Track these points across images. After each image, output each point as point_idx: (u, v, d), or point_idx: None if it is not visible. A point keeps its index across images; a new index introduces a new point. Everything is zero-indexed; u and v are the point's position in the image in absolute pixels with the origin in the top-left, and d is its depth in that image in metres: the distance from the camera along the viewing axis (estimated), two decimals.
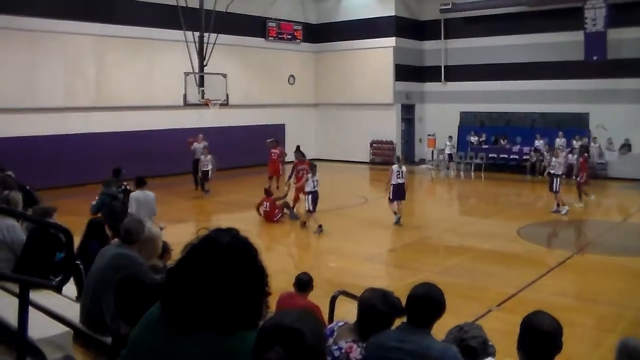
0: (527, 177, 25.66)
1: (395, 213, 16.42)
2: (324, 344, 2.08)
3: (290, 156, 21.55)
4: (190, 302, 2.16)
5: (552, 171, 18.11)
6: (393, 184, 16.23)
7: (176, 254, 2.37)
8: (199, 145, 21.42)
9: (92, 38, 22.83)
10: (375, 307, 3.71)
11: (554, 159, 18.53)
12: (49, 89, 21.75)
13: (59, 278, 4.52)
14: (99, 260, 5.46)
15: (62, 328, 4.99)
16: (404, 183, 16.33)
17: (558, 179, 17.76)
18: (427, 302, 3.64)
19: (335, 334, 3.77)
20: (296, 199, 17.42)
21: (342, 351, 3.62)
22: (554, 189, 17.83)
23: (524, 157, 26.94)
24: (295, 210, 17.37)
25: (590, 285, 11.36)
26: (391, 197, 16.50)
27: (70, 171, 21.75)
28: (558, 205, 17.77)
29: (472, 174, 27.79)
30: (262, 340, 1.92)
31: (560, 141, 26.11)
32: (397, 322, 3.79)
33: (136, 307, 3.10)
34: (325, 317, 6.01)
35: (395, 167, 16.53)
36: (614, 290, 10.87)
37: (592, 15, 25.38)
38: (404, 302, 3.76)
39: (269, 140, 22.09)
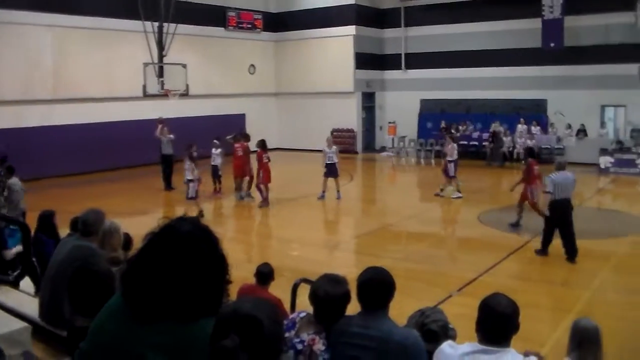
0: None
1: (324, 191, 18.25)
2: (282, 333, 2.07)
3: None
4: (151, 290, 2.16)
5: (449, 158, 18.52)
6: (327, 164, 18.15)
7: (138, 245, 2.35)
8: (165, 138, 20.31)
9: (50, 29, 22.37)
10: (329, 294, 3.68)
11: (447, 147, 18.98)
12: (5, 82, 21.27)
13: (15, 273, 4.47)
14: (57, 253, 5.39)
15: (20, 323, 4.92)
16: (335, 163, 18.10)
17: (452, 165, 18.38)
18: (376, 285, 3.65)
19: (297, 325, 3.74)
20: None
21: (305, 344, 3.60)
22: (450, 174, 18.45)
23: (484, 144, 27.21)
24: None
25: (549, 267, 11.55)
26: (325, 175, 18.35)
27: (28, 165, 21.30)
28: (441, 189, 18.65)
29: (433, 160, 27.97)
30: (219, 327, 1.91)
31: (521, 127, 26.53)
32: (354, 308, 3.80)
33: (89, 297, 3.07)
34: (288, 305, 6.01)
35: (326, 148, 18.34)
36: (571, 272, 11.10)
37: (550, 3, 25.70)
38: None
39: (229, 137, 19.59)
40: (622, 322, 8.52)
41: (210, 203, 18.02)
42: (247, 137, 19.14)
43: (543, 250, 11.94)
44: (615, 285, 10.39)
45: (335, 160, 18.20)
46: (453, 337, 3.90)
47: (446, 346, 3.45)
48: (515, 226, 14.31)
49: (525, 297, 8.32)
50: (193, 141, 17.40)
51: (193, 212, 14.78)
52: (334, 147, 18.58)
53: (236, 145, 18.61)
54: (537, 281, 11.01)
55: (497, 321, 3.27)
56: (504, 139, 26.22)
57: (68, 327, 3.75)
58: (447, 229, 14.96)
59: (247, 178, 18.63)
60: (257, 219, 17.18)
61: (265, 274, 6.65)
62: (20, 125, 21.51)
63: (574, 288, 10.21)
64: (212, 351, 1.87)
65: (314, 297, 3.74)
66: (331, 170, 18.23)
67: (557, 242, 12.31)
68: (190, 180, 15.89)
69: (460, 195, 18.39)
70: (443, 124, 28.56)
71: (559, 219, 11.50)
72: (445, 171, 18.61)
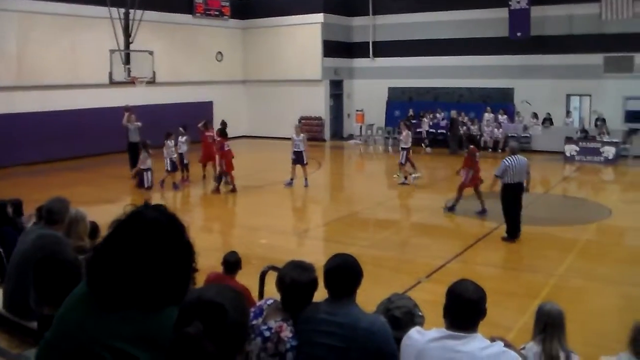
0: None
1: (292, 179, 18.43)
2: (247, 320, 2.05)
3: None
4: (117, 278, 2.13)
5: (403, 146, 18.90)
6: (294, 151, 18.38)
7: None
8: (132, 126, 19.95)
9: (14, 14, 21.91)
10: (296, 281, 3.69)
11: (402, 134, 19.33)
12: None
13: None
14: (21, 242, 5.31)
15: None
16: (302, 151, 18.27)
17: (404, 152, 18.73)
18: (343, 272, 3.67)
19: (264, 313, 3.74)
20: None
21: (273, 331, 3.60)
22: (401, 161, 18.90)
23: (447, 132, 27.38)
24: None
25: (515, 254, 11.71)
26: (292, 162, 18.54)
27: None
28: (405, 177, 18.94)
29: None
30: (182, 315, 1.89)
31: (488, 116, 26.77)
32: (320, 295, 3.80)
33: (55, 286, 3.03)
34: (256, 293, 5.99)
35: (294, 136, 18.57)
36: (538, 259, 11.24)
37: None
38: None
39: (200, 124, 19.65)
40: (587, 306, 8.67)
41: (176, 192, 17.87)
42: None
43: (511, 236, 12.28)
44: (580, 271, 10.54)
45: (302, 148, 18.34)
46: (420, 324, 3.91)
47: (414, 332, 3.47)
48: (482, 213, 14.48)
49: (492, 283, 8.42)
50: (170, 130, 17.53)
51: (155, 201, 14.65)
52: (302, 135, 18.71)
53: (207, 133, 19.17)
54: (504, 268, 11.15)
55: (465, 307, 3.29)
56: (464, 127, 26.34)
57: (38, 317, 3.70)
58: (415, 217, 15.06)
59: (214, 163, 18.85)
60: (224, 207, 17.10)
61: (232, 263, 6.61)
62: None
63: (540, 274, 10.34)
64: (175, 338, 1.85)
65: (280, 284, 3.75)
66: (298, 158, 18.37)
67: (523, 229, 12.48)
68: (145, 170, 15.70)
69: (406, 182, 18.79)
70: (411, 113, 28.70)
71: (512, 201, 12.07)
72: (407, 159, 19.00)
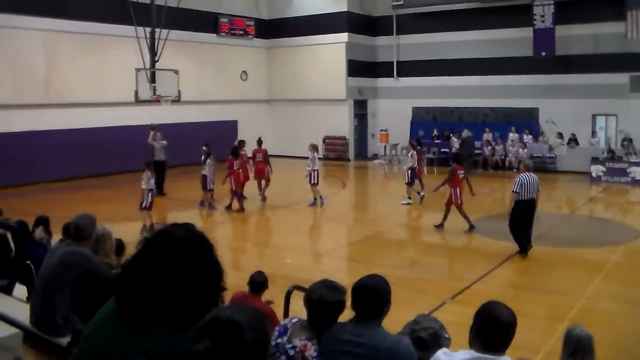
0: (478, 171, 25.90)
1: (315, 198, 18.32)
2: (267, 339, 2.03)
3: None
4: (145, 296, 2.13)
5: (409, 166, 18.84)
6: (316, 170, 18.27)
7: (130, 252, 2.33)
8: (157, 145, 20.08)
9: (41, 33, 22.26)
10: (323, 300, 3.67)
11: (411, 152, 19.28)
12: None
13: (7, 279, 4.42)
14: (49, 259, 5.34)
15: (11, 330, 4.87)
16: (309, 170, 18.07)
17: (409, 172, 18.65)
18: (370, 294, 3.64)
19: (289, 331, 3.72)
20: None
21: (297, 350, 3.59)
22: (407, 181, 18.77)
23: (476, 152, 27.27)
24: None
25: (541, 276, 11.55)
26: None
27: (18, 170, 21.26)
28: (409, 197, 18.79)
29: (425, 168, 27.95)
30: (197, 333, 1.88)
31: (512, 135, 26.66)
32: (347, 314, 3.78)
33: (93, 303, 3.04)
34: (281, 312, 5.98)
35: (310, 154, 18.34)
36: (564, 281, 11.09)
37: (541, 12, 25.83)
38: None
39: (235, 143, 19.37)
40: (614, 330, 8.52)
41: (202, 210, 17.93)
42: (242, 143, 19.21)
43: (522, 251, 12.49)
44: (608, 293, 10.39)
45: (310, 166, 18.14)
46: (447, 346, 3.87)
47: (441, 354, 3.43)
48: (439, 227, 15.06)
49: (518, 305, 8.28)
50: (208, 146, 17.55)
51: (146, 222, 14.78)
52: (313, 153, 18.43)
53: (242, 152, 18.72)
54: (529, 289, 10.99)
55: (499, 330, 3.26)
56: (489, 147, 26.19)
57: (71, 332, 3.72)
58: (438, 237, 14.94)
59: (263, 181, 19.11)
60: (249, 226, 17.14)
61: (258, 283, 6.60)
62: (10, 129, 21.40)
63: (566, 296, 10.20)
64: (185, 356, 1.84)
65: (307, 300, 3.74)
66: (309, 178, 18.25)
67: (549, 250, 12.35)
68: (148, 190, 15.30)
69: (410, 202, 18.65)
70: (435, 132, 28.66)
71: (523, 218, 12.33)
72: (417, 177, 19.03)
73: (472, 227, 14.79)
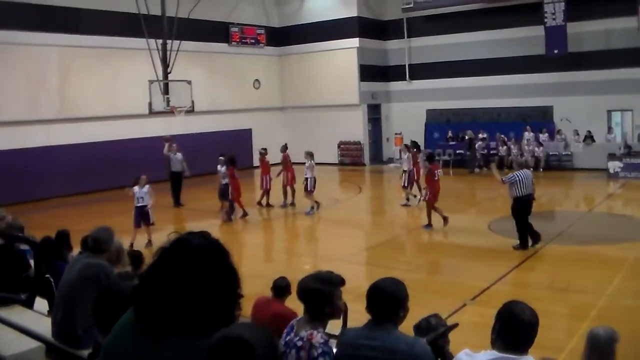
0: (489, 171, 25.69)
1: (317, 203, 18.32)
2: (277, 357, 2.03)
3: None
4: (163, 305, 2.14)
5: (404, 168, 18.95)
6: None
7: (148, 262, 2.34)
8: (175, 156, 20.15)
9: (54, 49, 22.48)
10: (309, 288, 3.77)
11: (404, 156, 19.39)
12: (10, 102, 21.31)
13: (27, 293, 4.45)
14: (68, 271, 5.37)
15: (33, 343, 4.91)
16: (307, 178, 18.17)
17: (406, 175, 18.81)
18: (383, 296, 3.65)
19: (294, 328, 3.82)
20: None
21: (305, 339, 3.65)
22: (403, 184, 18.95)
23: (491, 152, 27.15)
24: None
25: (562, 275, 11.47)
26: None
27: (34, 185, 21.42)
28: (407, 199, 19.01)
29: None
30: (210, 352, 1.88)
31: (528, 135, 26.52)
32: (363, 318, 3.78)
33: (115, 316, 3.06)
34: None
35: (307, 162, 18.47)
36: (584, 279, 11.01)
37: (552, 10, 25.72)
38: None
39: (260, 149, 20.37)
40: (637, 327, 8.43)
41: (218, 219, 17.95)
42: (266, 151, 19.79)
43: (523, 245, 12.99)
44: (630, 290, 10.29)
45: (305, 174, 18.23)
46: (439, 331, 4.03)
47: (463, 355, 3.41)
48: (427, 227, 15.66)
49: (539, 304, 8.21)
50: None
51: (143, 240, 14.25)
52: (309, 161, 18.52)
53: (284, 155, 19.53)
54: (550, 289, 10.90)
55: (521, 329, 3.25)
56: (504, 147, 26.14)
57: (93, 344, 3.73)
58: (456, 239, 14.88)
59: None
60: (265, 233, 17.16)
61: (282, 288, 6.65)
62: (25, 145, 21.58)
63: (588, 294, 10.12)
64: None
65: (297, 291, 3.91)
66: (305, 185, 18.34)
67: (569, 249, 12.26)
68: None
69: (408, 203, 18.80)
70: (449, 134, 28.62)
71: (523, 212, 12.97)
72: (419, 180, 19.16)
73: (429, 226, 15.54)
